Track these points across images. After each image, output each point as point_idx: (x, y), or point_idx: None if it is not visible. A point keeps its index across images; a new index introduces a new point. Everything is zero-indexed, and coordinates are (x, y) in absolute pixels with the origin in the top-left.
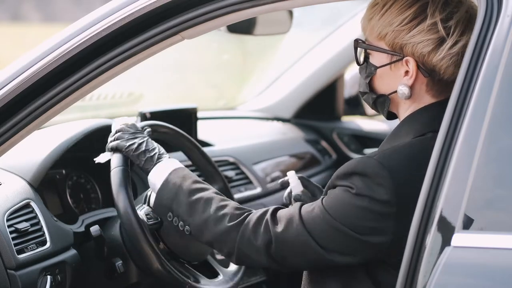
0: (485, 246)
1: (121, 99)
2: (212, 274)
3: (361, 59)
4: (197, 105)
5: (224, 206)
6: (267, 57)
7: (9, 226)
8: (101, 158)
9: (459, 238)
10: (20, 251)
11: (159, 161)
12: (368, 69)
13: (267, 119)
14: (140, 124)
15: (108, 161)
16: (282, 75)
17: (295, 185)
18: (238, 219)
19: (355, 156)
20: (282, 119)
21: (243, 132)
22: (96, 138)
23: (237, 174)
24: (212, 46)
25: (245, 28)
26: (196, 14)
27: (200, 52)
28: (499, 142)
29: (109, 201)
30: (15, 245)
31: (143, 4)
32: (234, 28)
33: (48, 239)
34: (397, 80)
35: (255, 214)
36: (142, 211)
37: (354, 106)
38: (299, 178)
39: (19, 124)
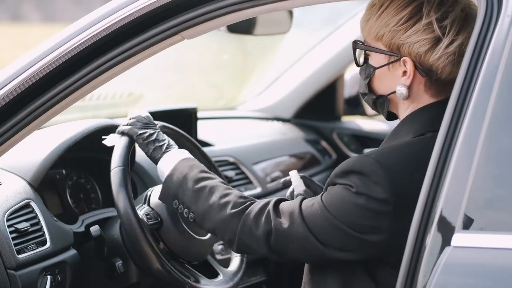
0: (485, 246)
1: (121, 99)
2: (212, 274)
3: (361, 60)
4: (197, 105)
5: (228, 194)
6: (267, 57)
7: (9, 226)
8: (108, 141)
9: (459, 238)
10: (20, 251)
11: (167, 151)
12: (367, 70)
13: (267, 119)
14: None
15: (108, 161)
16: (282, 75)
17: (297, 185)
18: (241, 207)
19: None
20: (282, 119)
21: (243, 132)
22: (96, 138)
23: (237, 174)
24: (212, 46)
25: (245, 28)
26: (196, 14)
27: (200, 52)
28: (499, 142)
29: (109, 201)
30: (15, 245)
31: (143, 4)
32: (234, 28)
33: (48, 239)
34: (395, 81)
35: (258, 204)
36: (142, 211)
37: (354, 106)
38: (301, 177)
39: (19, 124)
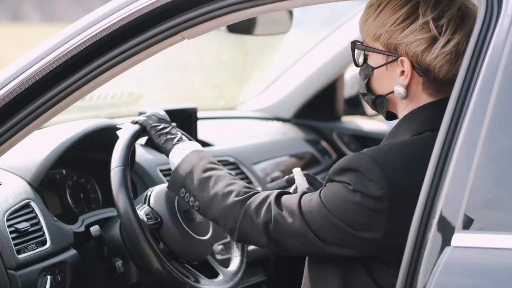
0: (485, 246)
1: (121, 99)
2: (212, 274)
3: (360, 60)
4: (197, 105)
5: (233, 184)
6: (267, 57)
7: (9, 226)
8: (121, 131)
9: (459, 238)
10: (20, 251)
11: (179, 143)
12: (366, 70)
13: (267, 119)
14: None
15: (108, 161)
16: (282, 75)
17: (300, 182)
18: (244, 196)
19: None
20: (282, 119)
21: (243, 132)
22: (96, 138)
23: (237, 174)
24: (212, 46)
25: (245, 28)
26: (196, 14)
27: (200, 52)
28: (499, 142)
29: (109, 201)
30: (15, 245)
31: (143, 4)
32: (234, 28)
33: (48, 239)
34: (393, 81)
35: (261, 194)
36: (142, 211)
37: (354, 106)
38: (305, 175)
39: (19, 124)
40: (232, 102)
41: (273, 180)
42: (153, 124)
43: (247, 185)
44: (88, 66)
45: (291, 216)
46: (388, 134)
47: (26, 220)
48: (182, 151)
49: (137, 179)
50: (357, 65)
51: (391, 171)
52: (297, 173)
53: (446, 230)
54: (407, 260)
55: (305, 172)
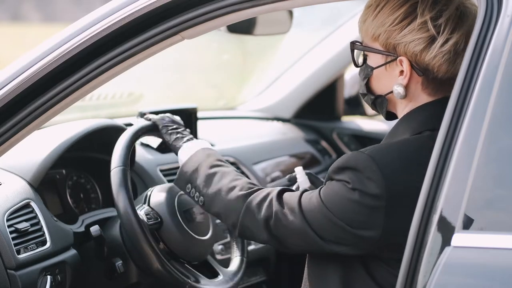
0: (485, 246)
1: (121, 99)
2: (212, 274)
3: (359, 61)
4: (197, 105)
5: (237, 179)
6: (267, 57)
7: (9, 226)
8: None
9: (459, 238)
10: (20, 251)
11: (188, 141)
12: (365, 71)
13: (267, 119)
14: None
15: (108, 161)
16: (282, 75)
17: (302, 181)
18: (247, 191)
19: None
20: (282, 119)
21: (243, 132)
22: (96, 138)
23: None
24: (212, 46)
25: (245, 28)
26: (196, 14)
27: (200, 52)
28: (499, 142)
29: (109, 201)
30: (15, 245)
31: (143, 4)
32: (234, 28)
33: (48, 239)
34: (392, 80)
35: (264, 190)
36: (142, 211)
37: (354, 106)
38: (307, 174)
39: (19, 124)
40: (232, 102)
41: (273, 180)
42: (166, 124)
43: (251, 181)
44: (88, 66)
45: (291, 213)
46: (388, 133)
47: (26, 220)
48: (190, 149)
49: (137, 179)
50: (356, 65)
51: (390, 169)
52: (299, 172)
53: (446, 230)
54: (407, 260)
55: (307, 171)
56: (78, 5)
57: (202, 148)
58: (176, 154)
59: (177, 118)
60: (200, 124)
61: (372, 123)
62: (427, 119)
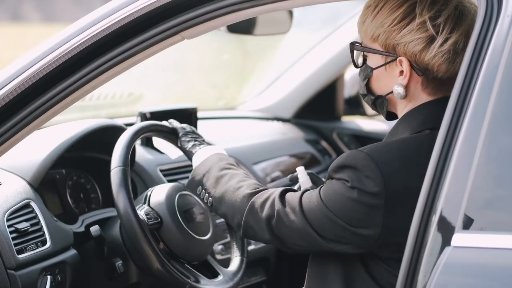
0: (485, 246)
1: (121, 99)
2: (212, 274)
3: (359, 61)
4: (197, 105)
5: (244, 180)
6: (267, 57)
7: (9, 226)
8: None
9: (459, 238)
10: (20, 251)
11: (204, 147)
12: (365, 71)
13: (267, 119)
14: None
15: (108, 161)
16: (282, 75)
17: (304, 181)
18: (253, 191)
19: None
20: (282, 119)
21: (243, 132)
22: (96, 138)
23: None
24: (212, 46)
25: (245, 28)
26: (196, 14)
27: (200, 52)
28: (499, 142)
29: (109, 201)
30: (15, 245)
31: (143, 4)
32: (234, 28)
33: (48, 239)
34: (392, 81)
35: (268, 190)
36: (142, 211)
37: (354, 106)
38: (308, 174)
39: (19, 124)
40: (232, 102)
41: (273, 180)
42: (185, 132)
43: (258, 182)
44: (88, 66)
45: (292, 212)
46: (388, 133)
47: (26, 220)
48: (204, 154)
49: (137, 179)
50: (356, 66)
51: (388, 168)
52: (301, 172)
53: (446, 230)
54: (407, 260)
55: (309, 171)
56: (78, 5)
57: (215, 152)
58: (191, 160)
59: (199, 132)
60: (200, 124)
61: (372, 123)
62: (427, 118)
